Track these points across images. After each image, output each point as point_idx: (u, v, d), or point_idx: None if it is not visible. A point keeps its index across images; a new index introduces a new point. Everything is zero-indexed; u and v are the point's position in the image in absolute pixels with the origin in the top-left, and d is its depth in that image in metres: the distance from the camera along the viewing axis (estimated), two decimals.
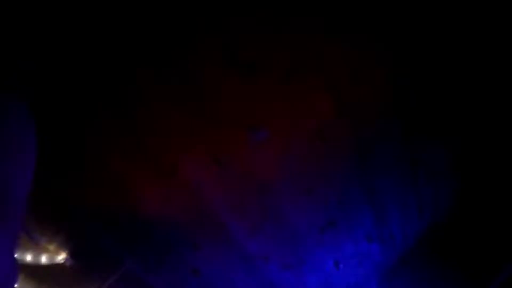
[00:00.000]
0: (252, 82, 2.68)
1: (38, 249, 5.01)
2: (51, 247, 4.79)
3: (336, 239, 3.40)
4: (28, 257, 5.22)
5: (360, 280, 3.93)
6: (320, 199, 3.38)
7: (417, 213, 3.71)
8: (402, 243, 3.59)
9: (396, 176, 3.51)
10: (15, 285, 5.24)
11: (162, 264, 3.84)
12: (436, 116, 3.18)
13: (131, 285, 4.58)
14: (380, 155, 3.34)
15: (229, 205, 3.34)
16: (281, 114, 2.96)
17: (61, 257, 4.82)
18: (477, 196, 4.12)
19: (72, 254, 4.62)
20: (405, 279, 3.93)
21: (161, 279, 4.16)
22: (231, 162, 3.19)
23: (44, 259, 5.02)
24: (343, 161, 3.27)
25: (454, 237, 4.02)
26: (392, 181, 3.52)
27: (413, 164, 3.57)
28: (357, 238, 3.48)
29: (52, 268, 4.99)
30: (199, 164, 3.18)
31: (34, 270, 5.08)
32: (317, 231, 3.38)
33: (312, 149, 3.17)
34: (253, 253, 3.22)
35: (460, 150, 3.58)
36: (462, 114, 3.16)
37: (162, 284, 4.30)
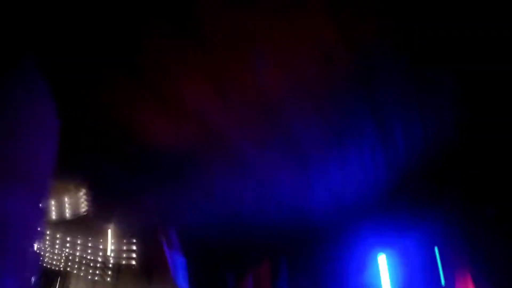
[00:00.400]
0: (254, 8, 2.70)
1: (59, 195, 5.20)
2: (71, 188, 4.98)
3: (342, 154, 3.49)
4: (53, 213, 5.43)
5: (365, 193, 4.04)
6: (327, 116, 3.42)
7: (422, 135, 3.73)
8: (406, 161, 3.65)
9: (401, 96, 3.53)
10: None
11: (176, 190, 3.96)
12: (442, 42, 3.16)
13: (150, 217, 4.83)
14: (385, 75, 3.36)
15: (237, 125, 3.35)
16: (284, 37, 2.98)
17: (83, 209, 4.98)
18: (480, 126, 4.08)
19: (92, 199, 4.81)
20: (407, 196, 4.02)
21: (176, 205, 4.36)
22: (237, 85, 3.26)
23: (68, 213, 5.22)
24: (348, 80, 3.31)
25: (456, 162, 4.08)
26: (397, 99, 3.53)
27: (418, 89, 3.59)
28: (363, 154, 3.53)
29: (76, 220, 5.20)
30: (204, 90, 3.25)
31: (59, 223, 5.30)
32: (323, 145, 3.45)
33: (318, 69, 3.20)
34: (263, 170, 3.34)
35: (467, 81, 3.58)
36: (469, 41, 3.14)
37: (178, 210, 4.51)
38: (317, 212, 4.30)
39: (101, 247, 6.33)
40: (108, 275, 6.15)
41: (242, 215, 4.39)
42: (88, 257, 6.60)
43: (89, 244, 6.29)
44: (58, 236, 6.63)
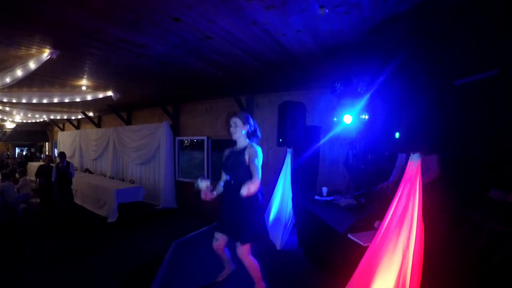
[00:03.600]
0: None
1: (24, 57, 4.91)
2: (33, 47, 4.66)
3: None
4: (18, 72, 5.15)
5: (345, 29, 3.85)
6: None
7: None
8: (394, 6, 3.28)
9: None
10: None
11: (141, 22, 3.70)
12: None
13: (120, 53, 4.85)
14: None
15: None
16: None
17: (46, 54, 4.71)
18: None
19: (54, 46, 4.52)
20: (395, 32, 3.72)
21: (143, 36, 4.16)
22: None
23: (32, 64, 4.93)
24: None
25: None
26: None
27: None
28: None
29: (44, 66, 4.92)
30: None
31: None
32: None
33: None
34: None
35: None
36: None
37: (147, 39, 4.31)
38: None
39: None
40: None
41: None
42: None
43: None
44: None
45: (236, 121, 3.63)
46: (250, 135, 3.71)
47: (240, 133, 3.64)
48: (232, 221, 3.59)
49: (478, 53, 4.09)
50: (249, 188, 3.00)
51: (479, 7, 3.19)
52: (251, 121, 3.71)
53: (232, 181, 3.55)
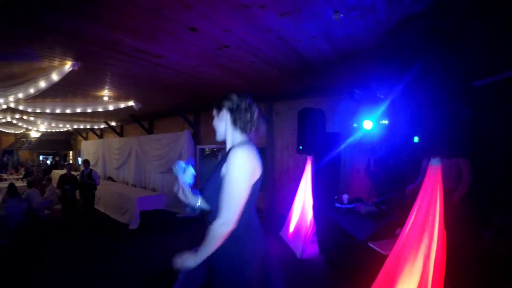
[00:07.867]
0: None
1: (47, 69, 5.06)
2: (56, 59, 4.83)
3: None
4: (42, 84, 5.34)
5: (361, 33, 3.78)
6: None
7: None
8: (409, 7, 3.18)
9: None
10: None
11: (157, 33, 3.78)
12: None
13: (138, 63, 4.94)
14: None
15: None
16: None
17: (68, 66, 4.88)
18: None
19: (76, 58, 4.69)
20: (412, 34, 3.63)
21: (160, 47, 4.24)
22: None
23: (55, 76, 5.11)
24: None
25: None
26: None
27: None
28: None
29: (66, 77, 5.12)
30: None
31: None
32: None
33: None
34: (248, 2, 3.03)
35: None
36: None
37: (164, 50, 4.39)
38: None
39: None
40: None
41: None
42: None
43: None
44: None
45: (214, 113, 2.30)
46: (242, 129, 2.09)
47: (221, 129, 2.26)
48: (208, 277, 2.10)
49: (496, 53, 3.99)
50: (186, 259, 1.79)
51: (494, 6, 3.10)
52: (243, 105, 2.11)
53: (211, 211, 1.97)
